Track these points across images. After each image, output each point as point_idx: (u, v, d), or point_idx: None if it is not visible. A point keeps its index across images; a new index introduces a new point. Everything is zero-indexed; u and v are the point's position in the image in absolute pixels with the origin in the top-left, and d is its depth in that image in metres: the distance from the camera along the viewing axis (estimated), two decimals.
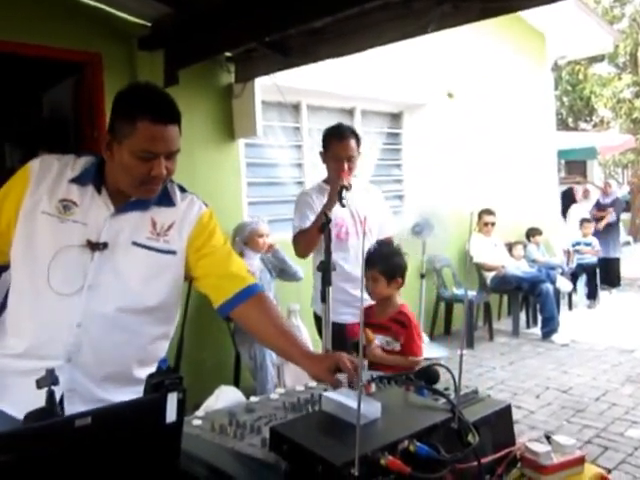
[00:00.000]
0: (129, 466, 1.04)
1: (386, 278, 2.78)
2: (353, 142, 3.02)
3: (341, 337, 2.92)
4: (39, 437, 0.94)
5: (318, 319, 3.11)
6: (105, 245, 1.57)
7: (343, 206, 2.79)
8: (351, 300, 3.07)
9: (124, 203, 1.62)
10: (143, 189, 1.58)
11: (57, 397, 1.45)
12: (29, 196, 1.58)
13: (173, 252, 1.67)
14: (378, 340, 2.74)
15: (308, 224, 2.96)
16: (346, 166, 2.93)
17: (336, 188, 2.81)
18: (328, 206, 2.84)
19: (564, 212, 9.58)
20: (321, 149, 3.14)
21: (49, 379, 1.41)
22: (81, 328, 1.55)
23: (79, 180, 1.61)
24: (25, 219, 1.57)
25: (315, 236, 2.79)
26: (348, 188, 2.79)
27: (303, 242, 3.00)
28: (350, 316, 3.07)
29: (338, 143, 3.01)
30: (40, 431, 0.95)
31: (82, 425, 0.97)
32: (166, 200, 1.69)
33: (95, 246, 1.57)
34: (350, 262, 3.09)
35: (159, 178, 1.54)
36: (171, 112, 1.53)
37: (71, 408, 1.48)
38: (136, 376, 1.62)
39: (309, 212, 3.00)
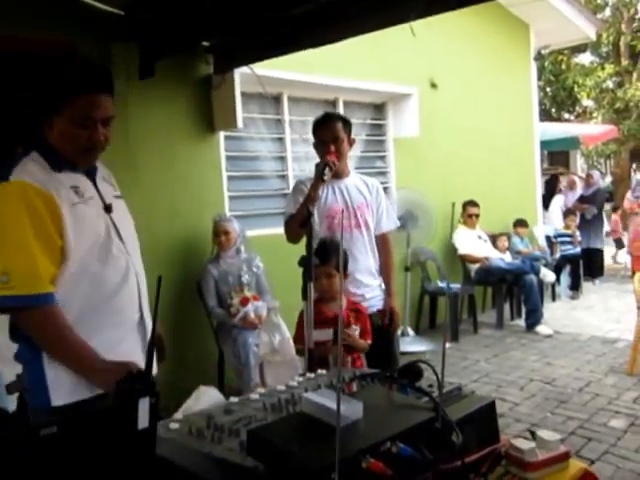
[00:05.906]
0: (99, 476, 0.99)
1: (339, 273, 2.89)
2: (337, 124, 3.04)
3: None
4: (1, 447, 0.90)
5: None
6: (110, 206, 1.80)
7: (323, 181, 2.83)
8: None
9: (85, 172, 1.78)
10: (87, 156, 1.74)
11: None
12: (58, 201, 1.64)
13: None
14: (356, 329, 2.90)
15: None
16: (332, 148, 2.97)
17: (319, 166, 2.86)
18: (313, 186, 2.87)
19: (545, 201, 9.59)
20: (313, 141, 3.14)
21: (20, 384, 1.37)
22: (138, 277, 1.84)
23: (56, 169, 1.69)
24: (71, 219, 1.66)
25: (296, 229, 2.77)
26: (331, 165, 2.83)
27: (290, 229, 2.99)
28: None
29: (322, 127, 3.07)
30: (2, 441, 0.91)
31: (47, 434, 0.93)
32: None
33: (108, 209, 1.78)
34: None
35: (99, 143, 1.71)
36: (105, 83, 1.72)
37: None
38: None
39: (301, 198, 2.98)
